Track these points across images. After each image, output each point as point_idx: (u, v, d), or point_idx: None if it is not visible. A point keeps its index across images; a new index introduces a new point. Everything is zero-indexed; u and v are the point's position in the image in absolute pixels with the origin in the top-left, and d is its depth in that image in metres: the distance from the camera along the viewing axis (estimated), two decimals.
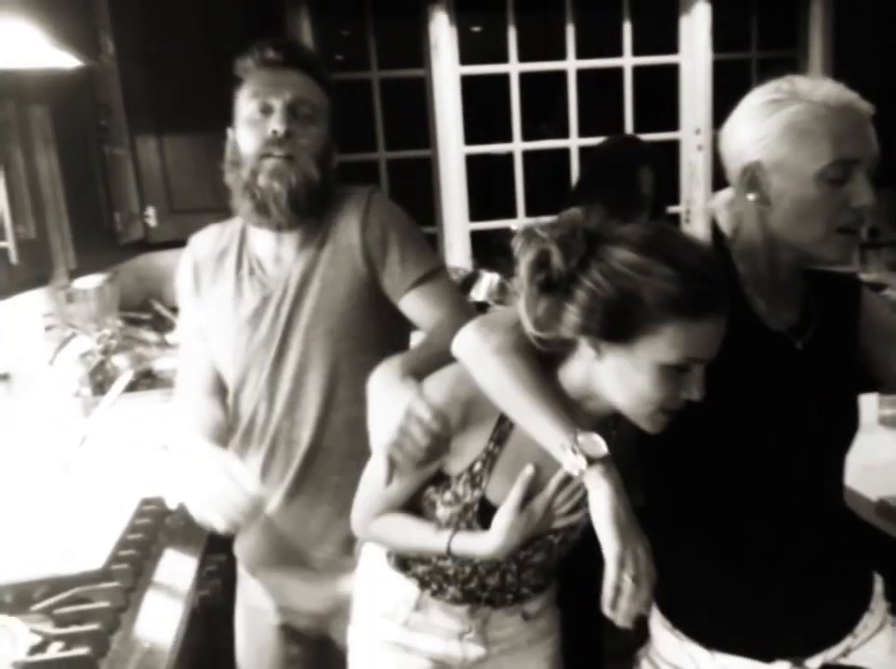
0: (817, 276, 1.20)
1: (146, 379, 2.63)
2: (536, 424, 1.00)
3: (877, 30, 3.30)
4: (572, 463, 0.97)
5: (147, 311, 3.20)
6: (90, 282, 2.66)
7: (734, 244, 1.16)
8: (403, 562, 1.21)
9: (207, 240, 1.49)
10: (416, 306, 1.34)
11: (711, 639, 1.16)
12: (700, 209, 3.64)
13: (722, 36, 3.56)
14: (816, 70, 3.60)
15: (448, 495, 1.10)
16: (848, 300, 1.22)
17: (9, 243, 1.52)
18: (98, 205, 2.20)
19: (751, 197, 1.09)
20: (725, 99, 3.62)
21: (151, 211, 2.72)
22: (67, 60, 1.40)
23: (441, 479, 1.11)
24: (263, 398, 1.37)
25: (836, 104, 1.02)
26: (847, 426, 1.18)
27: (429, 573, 1.19)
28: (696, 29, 3.46)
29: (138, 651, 1.09)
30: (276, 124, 1.30)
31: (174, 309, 3.24)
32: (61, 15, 1.37)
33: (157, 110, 2.67)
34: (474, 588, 1.19)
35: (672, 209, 3.56)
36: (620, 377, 0.98)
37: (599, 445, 0.97)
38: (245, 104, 1.34)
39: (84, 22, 1.60)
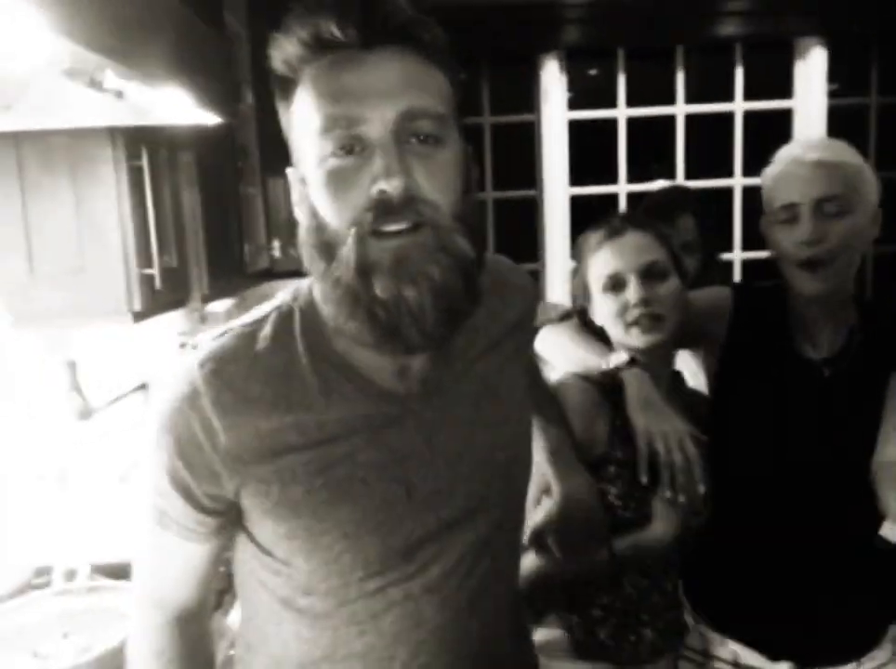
0: (871, 307, 1.33)
1: None
2: (585, 354, 1.28)
3: None
4: (615, 359, 1.24)
5: None
6: (221, 305, 2.96)
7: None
8: None
9: None
10: None
11: (726, 625, 1.30)
12: None
13: (840, 80, 3.52)
14: None
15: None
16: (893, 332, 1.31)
17: (155, 271, 1.78)
18: (230, 238, 2.48)
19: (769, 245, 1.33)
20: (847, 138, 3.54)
21: (276, 244, 3.00)
22: (210, 118, 1.64)
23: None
24: None
25: (787, 159, 1.25)
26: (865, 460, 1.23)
27: None
28: (811, 73, 3.45)
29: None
30: (382, 172, 0.71)
31: None
32: (208, 79, 1.61)
33: (287, 154, 2.95)
34: None
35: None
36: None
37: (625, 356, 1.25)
38: (308, 136, 0.75)
39: (226, 82, 1.84)
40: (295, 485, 0.79)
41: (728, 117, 3.54)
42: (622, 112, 3.53)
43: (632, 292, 1.25)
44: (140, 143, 1.73)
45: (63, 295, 1.71)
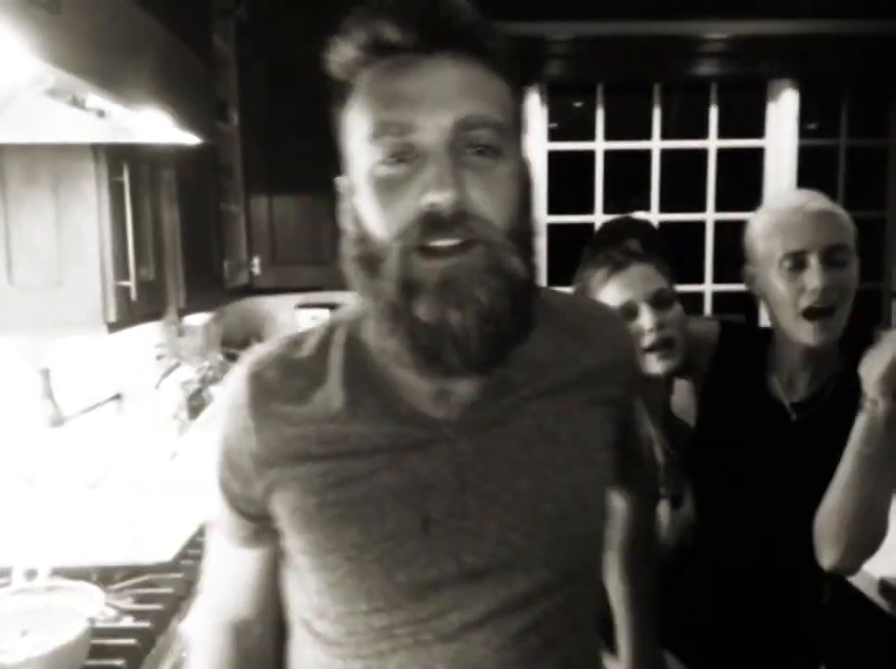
0: (853, 353, 1.28)
1: None
2: None
3: None
4: None
5: (245, 348, 3.53)
6: (199, 319, 3.01)
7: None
8: None
9: None
10: None
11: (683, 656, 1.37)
12: None
13: (811, 121, 3.64)
14: None
15: None
16: None
17: (132, 283, 1.83)
18: (209, 254, 2.53)
19: (754, 291, 1.33)
20: (812, 184, 3.74)
21: (256, 261, 3.06)
22: (189, 139, 1.70)
23: None
24: None
25: (786, 208, 1.25)
26: None
27: None
28: (783, 114, 3.56)
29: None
30: (433, 184, 0.66)
31: None
32: (189, 101, 1.68)
33: (271, 173, 3.03)
34: None
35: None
36: None
37: None
38: (359, 142, 0.71)
39: (207, 104, 1.91)
40: (309, 495, 0.76)
41: (702, 153, 3.65)
42: (600, 145, 3.62)
43: (645, 318, 1.31)
44: (122, 160, 1.79)
45: (41, 306, 1.76)
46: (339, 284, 3.07)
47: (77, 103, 1.35)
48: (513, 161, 0.71)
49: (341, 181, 0.77)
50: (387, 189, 0.68)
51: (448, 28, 0.68)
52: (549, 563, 0.77)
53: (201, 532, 1.64)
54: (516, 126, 0.73)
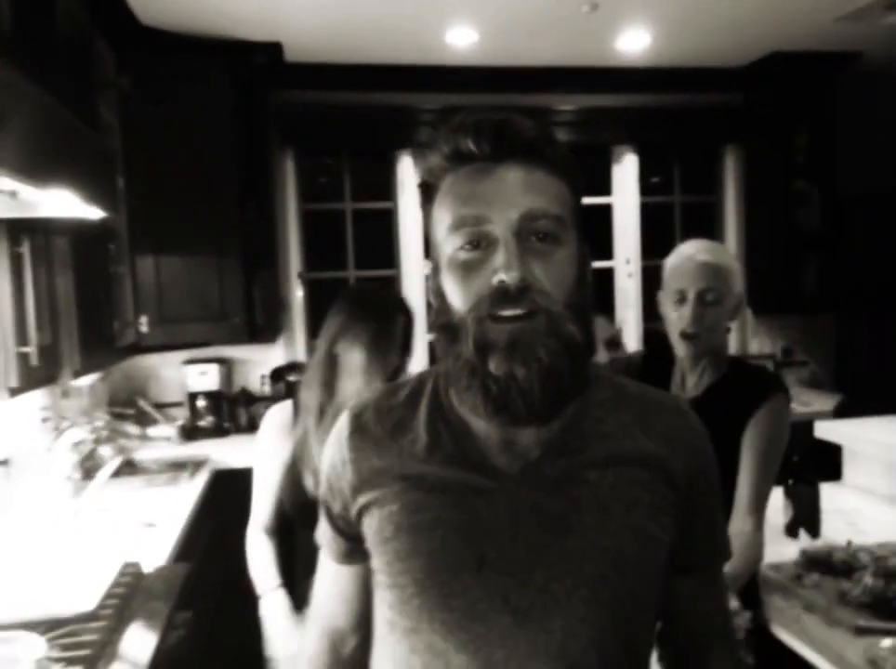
0: (745, 367, 1.74)
1: (127, 467, 2.94)
2: None
3: (782, 180, 3.88)
4: None
5: (131, 407, 3.54)
6: (86, 380, 3.01)
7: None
8: None
9: None
10: None
11: None
12: (634, 327, 4.10)
13: (650, 181, 4.13)
14: (731, 212, 4.17)
15: None
16: (756, 392, 1.63)
17: (32, 348, 1.90)
18: (101, 316, 2.59)
19: (660, 313, 1.75)
20: (652, 234, 4.27)
21: (143, 319, 3.12)
22: (95, 213, 1.81)
23: None
24: None
25: (683, 256, 1.65)
26: None
27: None
28: (626, 175, 4.03)
29: None
30: (502, 265, 0.80)
31: (157, 406, 3.60)
32: (91, 179, 1.79)
33: (155, 234, 3.11)
34: None
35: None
36: None
37: None
38: (442, 232, 0.85)
39: (107, 180, 2.02)
40: (389, 522, 0.87)
41: None
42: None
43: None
44: (22, 232, 1.87)
45: None
46: (226, 339, 3.24)
47: None
48: (570, 245, 0.84)
49: (427, 264, 0.97)
50: (465, 269, 0.82)
51: (515, 141, 0.83)
52: (584, 619, 0.83)
53: (115, 584, 1.72)
54: (573, 217, 0.85)
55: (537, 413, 0.81)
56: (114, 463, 2.53)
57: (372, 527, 0.89)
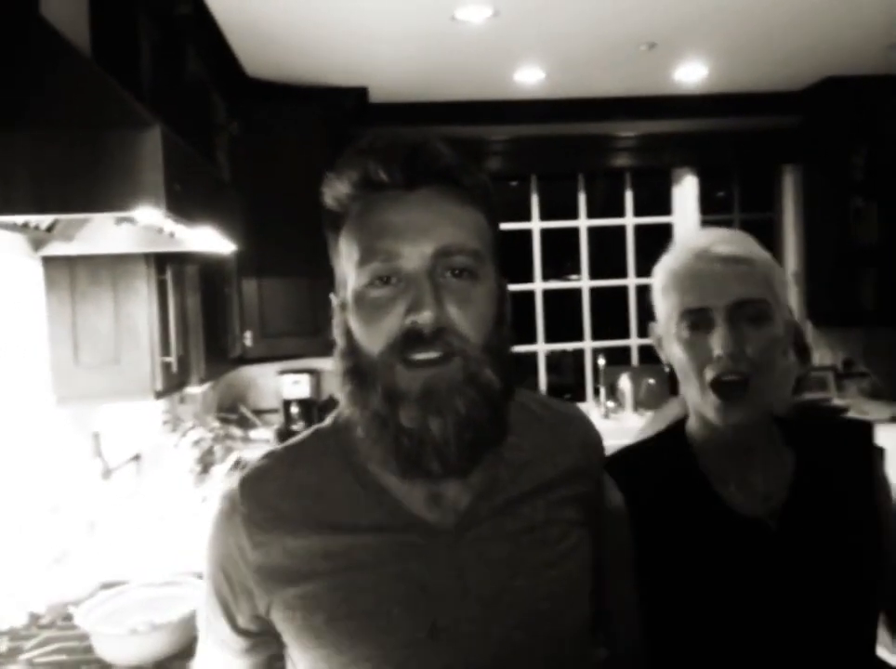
0: (812, 430, 1.07)
1: (236, 465, 3.34)
2: None
3: (840, 198, 4.04)
4: None
5: (234, 413, 3.95)
6: (198, 388, 3.43)
7: (688, 426, 1.08)
8: None
9: None
10: None
11: None
12: None
13: (710, 200, 4.35)
14: (790, 229, 4.33)
15: None
16: (855, 455, 1.06)
17: (172, 358, 2.29)
18: (219, 331, 2.99)
19: (665, 366, 1.05)
20: None
21: (248, 334, 3.52)
22: (229, 247, 2.19)
23: None
24: None
25: (688, 254, 1.00)
26: (855, 617, 0.99)
27: None
28: (686, 195, 4.26)
29: None
30: (415, 304, 0.73)
31: (256, 411, 4.00)
32: (226, 216, 2.17)
33: (258, 259, 3.52)
34: None
35: None
36: None
37: None
38: (349, 266, 0.78)
39: (236, 217, 2.40)
40: (318, 612, 0.76)
41: (621, 230, 4.30)
42: (536, 225, 4.25)
43: None
44: (165, 262, 2.26)
45: (100, 380, 2.19)
46: (317, 352, 3.66)
47: (155, 229, 1.84)
48: (488, 282, 0.77)
49: (333, 299, 0.83)
50: (374, 308, 0.74)
51: (430, 168, 0.76)
52: (547, 656, 0.80)
53: None
54: (491, 251, 0.79)
55: (453, 469, 0.74)
56: (233, 458, 2.92)
57: (294, 621, 0.78)
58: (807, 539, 0.99)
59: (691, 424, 1.07)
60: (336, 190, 0.80)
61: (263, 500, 0.80)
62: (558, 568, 0.82)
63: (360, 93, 3.67)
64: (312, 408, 3.98)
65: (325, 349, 3.35)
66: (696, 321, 0.98)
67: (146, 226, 1.80)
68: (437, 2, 2.70)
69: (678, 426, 1.09)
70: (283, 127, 3.48)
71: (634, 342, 4.24)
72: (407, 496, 0.79)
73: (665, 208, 4.33)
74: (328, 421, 0.87)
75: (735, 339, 0.95)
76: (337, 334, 0.80)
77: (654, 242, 4.35)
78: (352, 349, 0.77)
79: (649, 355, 4.21)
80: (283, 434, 3.87)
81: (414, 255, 0.74)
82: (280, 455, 0.85)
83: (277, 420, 3.99)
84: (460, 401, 0.73)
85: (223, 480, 2.68)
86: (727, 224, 4.37)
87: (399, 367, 0.73)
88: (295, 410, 3.95)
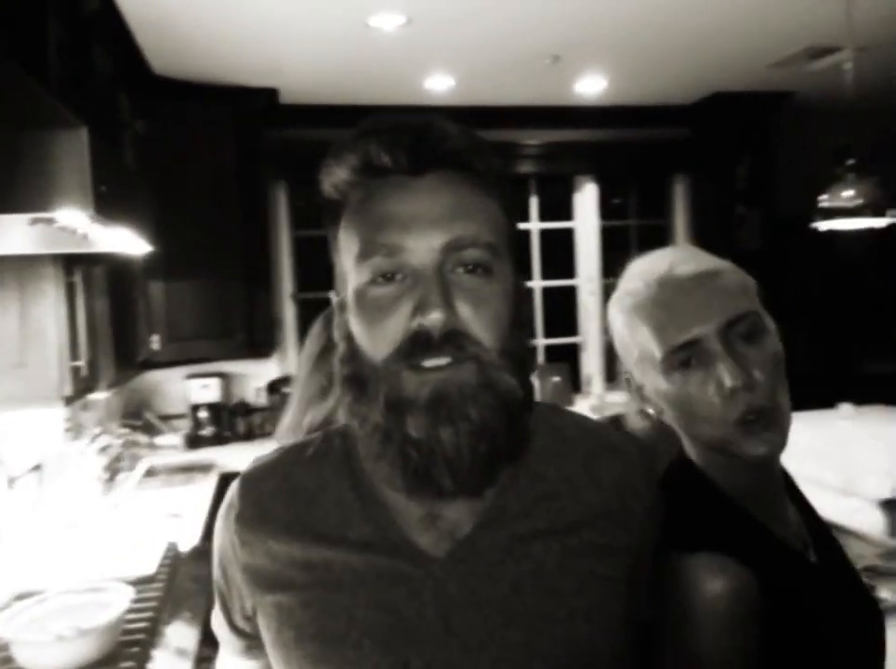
0: None
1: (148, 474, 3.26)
2: None
3: (725, 206, 4.33)
4: None
5: (138, 419, 3.84)
6: (102, 394, 3.32)
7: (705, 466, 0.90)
8: None
9: None
10: None
11: None
12: (594, 340, 4.52)
13: (608, 207, 4.57)
14: (681, 234, 4.61)
15: None
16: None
17: (82, 363, 2.23)
18: (126, 334, 2.92)
19: (645, 407, 0.92)
20: (611, 254, 4.75)
21: (155, 338, 3.44)
22: (144, 248, 2.16)
23: None
24: None
25: (651, 284, 0.87)
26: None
27: None
28: (586, 202, 4.46)
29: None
30: (423, 305, 0.65)
31: (162, 417, 3.91)
32: (140, 216, 2.14)
33: (166, 260, 3.43)
34: None
35: (572, 340, 4.45)
36: None
37: None
38: (349, 261, 0.70)
39: (149, 217, 2.35)
40: (289, 627, 0.71)
41: (525, 234, 4.47)
42: None
43: None
44: (73, 264, 2.20)
45: (5, 386, 2.12)
46: (227, 355, 3.64)
47: (65, 228, 1.80)
48: (505, 279, 0.68)
49: (333, 298, 0.75)
50: (377, 308, 0.66)
51: (438, 151, 0.68)
52: None
53: (165, 555, 2.05)
54: (507, 245, 0.70)
55: (466, 486, 0.66)
56: (144, 465, 2.86)
57: (269, 630, 0.73)
58: (833, 562, 0.92)
59: (706, 461, 0.88)
60: (334, 177, 0.71)
61: (256, 497, 0.76)
62: (565, 626, 0.69)
63: (270, 94, 3.66)
64: (222, 412, 3.92)
65: (236, 352, 3.33)
66: (687, 356, 0.84)
67: (61, 227, 1.76)
68: (351, 8, 2.74)
69: (683, 460, 0.91)
70: (191, 127, 3.42)
71: (540, 342, 4.41)
72: (403, 514, 0.71)
73: (567, 214, 4.52)
74: (340, 425, 0.80)
75: (741, 365, 0.81)
76: (337, 338, 0.73)
77: (557, 246, 4.54)
78: (353, 354, 0.69)
79: (555, 354, 4.38)
80: (193, 440, 3.80)
81: (421, 249, 0.66)
82: (286, 452, 0.80)
83: (185, 426, 3.91)
84: (474, 408, 0.65)
85: (131, 487, 2.62)
86: (623, 230, 4.61)
87: (405, 373, 0.65)
88: (204, 414, 3.88)
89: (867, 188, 2.68)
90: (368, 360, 0.67)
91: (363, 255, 0.67)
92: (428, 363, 0.64)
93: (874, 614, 0.92)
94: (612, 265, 4.48)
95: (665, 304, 0.85)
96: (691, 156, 4.46)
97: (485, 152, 0.71)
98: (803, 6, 2.91)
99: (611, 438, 0.80)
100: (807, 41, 3.33)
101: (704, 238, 4.48)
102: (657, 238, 4.61)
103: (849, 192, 2.63)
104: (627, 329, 0.89)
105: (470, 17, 2.88)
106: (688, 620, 0.77)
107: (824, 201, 2.73)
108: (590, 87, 3.88)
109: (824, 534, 0.96)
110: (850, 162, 2.68)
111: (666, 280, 0.86)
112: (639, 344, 0.88)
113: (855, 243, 4.31)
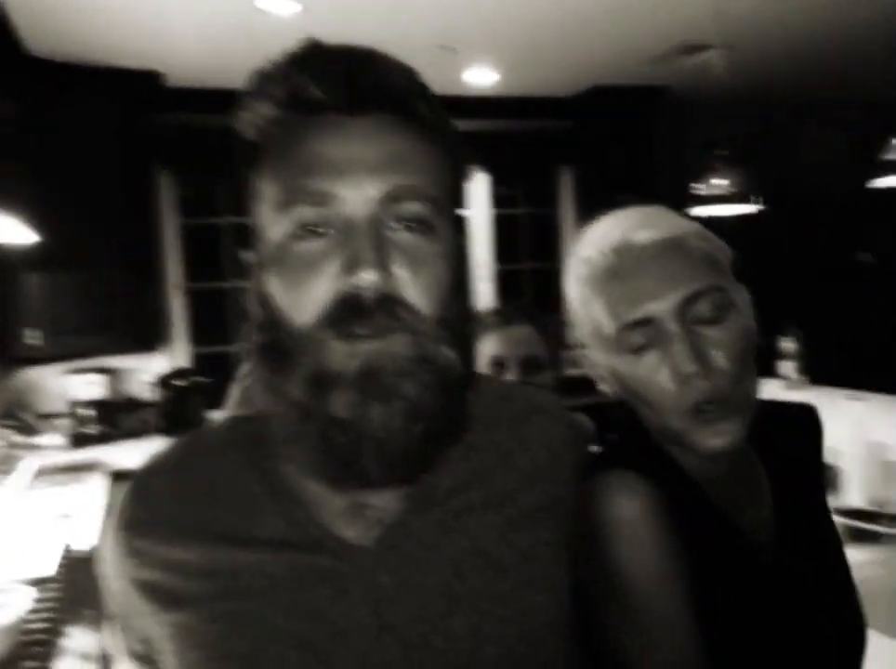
0: (766, 429, 0.83)
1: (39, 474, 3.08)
2: None
3: (607, 195, 4.52)
4: None
5: (13, 418, 3.62)
6: None
7: None
8: None
9: None
10: None
11: None
12: None
13: (499, 196, 4.69)
14: (568, 224, 4.79)
15: None
16: (805, 445, 0.89)
17: None
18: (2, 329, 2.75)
19: (598, 381, 0.85)
20: (503, 242, 4.80)
21: (33, 332, 3.25)
22: (31, 237, 2.05)
23: None
24: None
25: (605, 250, 0.77)
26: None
27: None
28: (478, 191, 4.56)
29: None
30: (356, 263, 0.57)
31: (40, 416, 3.69)
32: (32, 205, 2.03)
33: (43, 251, 3.26)
34: None
35: None
36: None
37: None
38: (269, 211, 0.61)
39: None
40: (193, 648, 0.61)
41: None
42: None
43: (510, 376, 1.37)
44: None
45: None
46: (112, 349, 3.54)
47: None
48: (448, 239, 0.61)
49: (246, 256, 0.65)
50: (300, 267, 0.57)
51: (381, 88, 0.59)
52: None
53: (63, 556, 1.98)
54: (452, 201, 0.63)
55: (397, 473, 0.59)
56: (29, 466, 2.70)
57: (172, 653, 0.62)
58: (800, 554, 0.82)
59: (672, 448, 0.80)
60: (253, 113, 0.61)
61: (148, 499, 0.65)
62: (513, 603, 0.64)
63: (154, 77, 3.51)
64: (108, 409, 3.75)
65: (120, 346, 3.23)
66: (641, 335, 0.76)
67: None
68: None
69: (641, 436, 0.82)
70: (69, 110, 3.25)
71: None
72: (323, 504, 0.63)
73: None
74: (245, 410, 0.71)
75: (697, 351, 0.73)
76: (251, 301, 0.62)
77: None
78: (270, 320, 0.60)
79: None
80: (79, 438, 3.62)
81: (354, 199, 0.57)
82: (184, 444, 0.70)
83: (66, 424, 3.72)
84: (410, 385, 0.57)
85: (18, 488, 2.48)
86: (514, 219, 4.74)
87: (332, 342, 0.57)
88: (88, 411, 3.70)
89: (736, 177, 2.89)
90: (288, 327, 0.58)
91: (286, 203, 0.58)
92: (360, 331, 0.56)
93: (848, 634, 0.82)
94: (504, 253, 4.62)
95: (619, 276, 0.76)
96: (575, 147, 4.63)
97: (432, 97, 0.63)
98: (676, 4, 3.10)
99: (536, 399, 0.77)
100: (680, 38, 3.53)
101: (588, 227, 4.67)
102: (547, 226, 4.76)
103: (720, 181, 2.82)
104: (580, 301, 0.81)
105: (363, 4, 2.88)
106: (596, 544, 0.71)
107: (698, 189, 2.92)
108: (479, 78, 3.96)
109: (819, 544, 0.84)
110: (722, 153, 2.88)
111: (622, 247, 0.77)
112: (592, 318, 0.79)
113: (726, 228, 4.61)
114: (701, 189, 2.91)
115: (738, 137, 2.92)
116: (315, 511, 0.63)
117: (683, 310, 0.74)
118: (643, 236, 0.77)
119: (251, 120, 0.61)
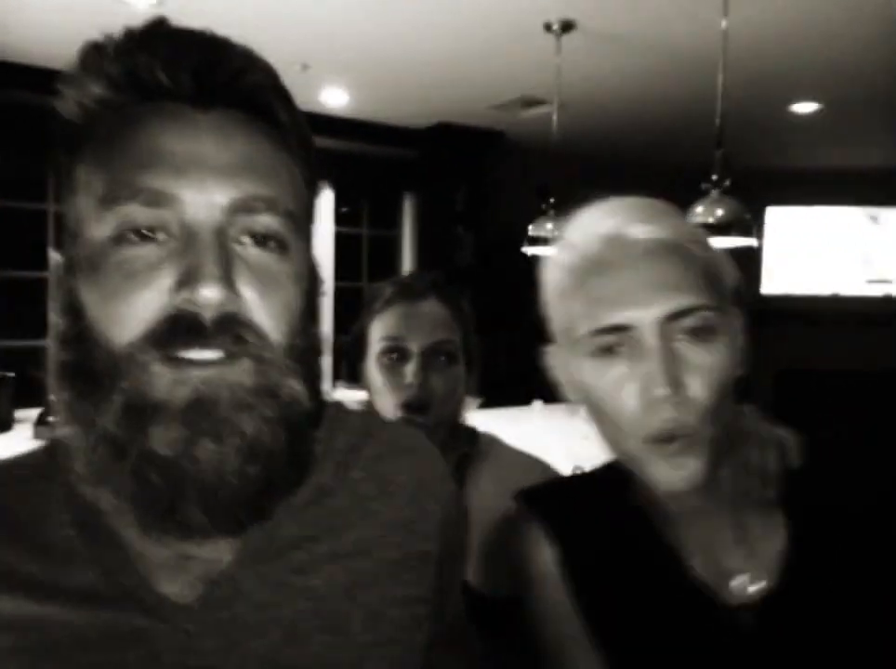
0: (804, 486, 0.71)
1: None
2: None
3: (445, 225, 4.79)
4: None
5: None
6: None
7: None
8: None
9: None
10: None
11: None
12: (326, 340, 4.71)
13: (342, 214, 4.81)
14: (407, 246, 5.00)
15: None
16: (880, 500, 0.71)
17: None
18: None
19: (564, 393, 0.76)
20: (345, 260, 4.98)
21: None
22: None
23: None
24: None
25: (589, 240, 0.70)
26: None
27: None
28: (322, 207, 4.64)
29: None
30: (195, 276, 0.50)
31: None
32: None
33: None
34: None
35: None
36: None
37: None
38: (88, 206, 0.52)
39: None
40: None
41: None
42: None
43: (410, 368, 1.03)
44: None
45: None
46: None
47: None
48: (300, 259, 0.55)
49: (54, 256, 0.57)
50: (125, 275, 0.50)
51: (236, 83, 0.53)
52: None
53: None
54: (306, 218, 0.58)
55: (225, 523, 0.51)
56: None
57: None
58: (794, 642, 0.68)
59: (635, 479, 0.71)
60: (81, 90, 0.52)
61: None
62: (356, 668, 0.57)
63: None
64: None
65: None
66: (615, 342, 0.66)
67: None
68: None
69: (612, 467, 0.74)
70: None
71: None
72: (142, 553, 0.55)
73: None
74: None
75: (672, 373, 0.63)
76: (56, 310, 0.54)
77: None
78: (80, 335, 0.51)
79: None
80: None
81: (197, 203, 0.50)
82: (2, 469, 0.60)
83: None
84: (247, 420, 0.50)
85: None
86: (356, 237, 4.88)
87: (156, 366, 0.49)
88: None
89: (563, 222, 3.21)
90: (103, 345, 0.50)
91: (112, 198, 0.50)
92: (193, 355, 0.49)
93: None
94: (345, 270, 4.73)
95: (603, 270, 0.67)
96: (419, 177, 4.86)
97: (292, 104, 0.58)
98: (520, 62, 3.40)
99: (399, 436, 0.68)
100: (521, 91, 3.87)
101: (426, 252, 4.91)
102: (387, 247, 4.94)
103: (549, 225, 3.12)
104: (557, 290, 0.71)
105: (225, 16, 2.91)
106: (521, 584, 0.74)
107: (531, 230, 3.21)
108: (333, 99, 4.08)
109: (853, 618, 0.67)
110: (551, 200, 3.19)
111: (613, 239, 0.68)
112: (566, 312, 0.70)
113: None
114: (532, 230, 3.20)
115: (564, 185, 3.23)
116: (133, 559, 0.55)
117: (667, 324, 0.65)
118: (639, 231, 0.67)
119: (76, 98, 0.53)
